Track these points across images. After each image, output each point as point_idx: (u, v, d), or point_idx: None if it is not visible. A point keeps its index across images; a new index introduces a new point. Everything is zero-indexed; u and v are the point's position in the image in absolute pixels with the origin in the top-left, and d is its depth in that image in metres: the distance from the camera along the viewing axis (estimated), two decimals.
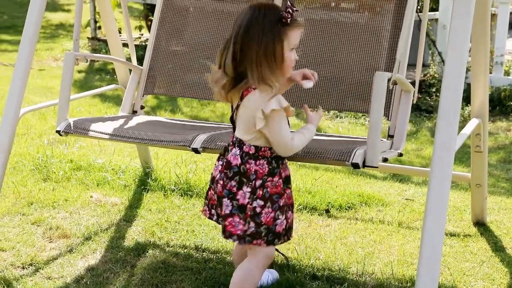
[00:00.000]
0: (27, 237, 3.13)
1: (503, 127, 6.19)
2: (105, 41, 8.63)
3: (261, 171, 2.27)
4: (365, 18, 3.21)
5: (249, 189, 2.26)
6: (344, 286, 2.74)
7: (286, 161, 2.38)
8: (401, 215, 3.59)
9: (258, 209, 2.26)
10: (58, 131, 2.84)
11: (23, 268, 2.85)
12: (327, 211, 3.60)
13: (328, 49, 3.16)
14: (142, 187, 3.84)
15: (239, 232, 2.28)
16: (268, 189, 2.28)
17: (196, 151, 2.64)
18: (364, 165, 2.47)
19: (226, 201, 2.29)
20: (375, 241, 3.22)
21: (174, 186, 3.83)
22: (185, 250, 3.07)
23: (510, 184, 4.49)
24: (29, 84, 6.88)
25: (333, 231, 3.33)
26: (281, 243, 2.34)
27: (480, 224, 3.49)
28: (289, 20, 2.21)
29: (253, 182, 2.26)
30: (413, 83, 2.95)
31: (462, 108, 6.36)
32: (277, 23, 2.20)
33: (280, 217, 2.30)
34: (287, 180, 2.37)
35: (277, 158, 2.31)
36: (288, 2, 2.27)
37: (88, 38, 9.29)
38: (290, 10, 2.21)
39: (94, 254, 2.99)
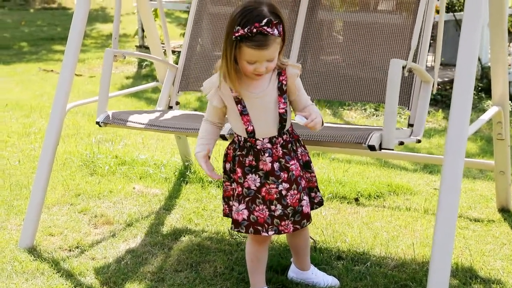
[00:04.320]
0: (74, 224, 3.38)
1: None
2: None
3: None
4: (393, 20, 3.36)
5: None
6: (367, 266, 2.90)
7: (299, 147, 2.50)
8: (428, 203, 3.72)
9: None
10: (97, 122, 3.07)
11: (70, 250, 3.10)
12: (356, 199, 3.76)
13: (352, 46, 3.33)
14: (182, 179, 4.07)
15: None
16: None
17: (223, 137, 2.84)
18: (380, 148, 2.63)
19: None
20: (400, 226, 3.37)
21: (212, 178, 4.04)
22: (219, 235, 3.27)
23: None
24: (79, 90, 7.29)
25: (361, 217, 3.49)
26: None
27: (505, 211, 3.60)
28: (239, 37, 2.21)
29: None
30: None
31: (481, 101, 6.45)
32: (232, 35, 2.24)
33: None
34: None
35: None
36: (264, 21, 2.21)
37: (136, 46, 9.64)
38: (250, 30, 2.20)
39: (134, 238, 3.23)
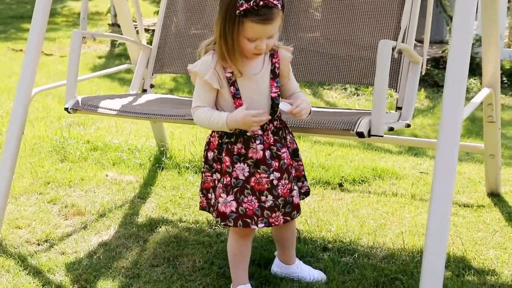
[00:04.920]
0: (43, 215, 3.18)
1: None
2: None
3: None
4: None
5: None
6: (355, 257, 2.75)
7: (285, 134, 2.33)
8: (415, 187, 3.58)
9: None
10: (66, 109, 2.87)
11: (38, 244, 2.90)
12: (340, 185, 3.61)
13: (334, 24, 3.15)
14: (157, 166, 3.88)
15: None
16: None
17: None
18: (369, 134, 2.47)
19: None
20: (387, 213, 3.22)
21: (189, 164, 3.86)
22: (197, 225, 3.10)
23: None
24: (50, 70, 7.02)
25: (346, 204, 3.34)
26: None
27: (494, 195, 3.47)
28: (242, 11, 2.05)
29: None
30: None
31: (469, 81, 6.32)
32: (234, 9, 2.07)
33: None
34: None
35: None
36: None
37: (108, 24, 9.38)
38: (256, 3, 2.04)
39: (107, 230, 3.04)
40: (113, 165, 3.93)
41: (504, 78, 6.47)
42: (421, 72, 2.95)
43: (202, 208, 2.40)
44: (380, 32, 3.07)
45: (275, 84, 2.25)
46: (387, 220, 3.14)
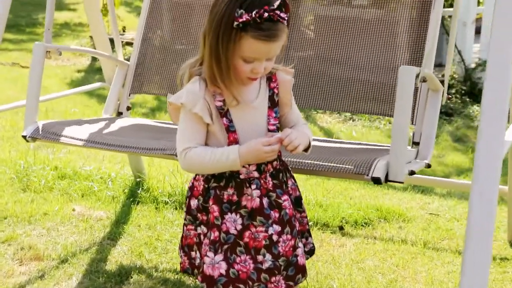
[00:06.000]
0: None
1: None
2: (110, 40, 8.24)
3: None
4: (380, 14, 2.76)
5: None
6: None
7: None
8: (426, 233, 3.13)
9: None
10: (24, 137, 2.42)
11: None
12: (341, 228, 3.15)
13: (339, 47, 2.73)
14: (132, 199, 3.41)
15: None
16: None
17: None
18: (386, 180, 2.04)
19: None
20: (398, 265, 2.77)
21: (168, 198, 3.39)
22: (176, 277, 2.63)
23: None
24: (24, 84, 6.50)
25: (348, 252, 2.88)
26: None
27: None
28: (241, 23, 1.61)
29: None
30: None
31: (465, 106, 5.95)
32: (231, 21, 1.64)
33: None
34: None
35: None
36: (275, 3, 1.63)
37: (90, 37, 8.90)
38: (259, 14, 1.61)
39: (68, 281, 2.56)
40: (82, 196, 3.45)
41: None
42: (441, 101, 2.53)
43: (183, 270, 1.93)
44: (388, 61, 2.66)
45: (274, 115, 1.81)
46: (398, 274, 2.68)
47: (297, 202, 1.90)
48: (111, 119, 2.84)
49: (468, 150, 4.93)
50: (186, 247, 1.90)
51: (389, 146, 2.55)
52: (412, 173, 2.15)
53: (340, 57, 2.73)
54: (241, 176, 1.76)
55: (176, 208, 3.32)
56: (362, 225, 3.20)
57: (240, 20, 1.62)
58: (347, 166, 2.04)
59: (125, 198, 3.44)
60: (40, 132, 2.44)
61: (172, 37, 3.00)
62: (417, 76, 2.12)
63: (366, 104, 2.72)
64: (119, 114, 2.99)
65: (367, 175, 2.01)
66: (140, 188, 3.49)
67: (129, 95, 3.00)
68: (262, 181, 1.78)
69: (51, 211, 3.22)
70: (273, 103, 1.81)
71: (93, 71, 7.68)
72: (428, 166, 2.37)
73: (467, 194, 3.71)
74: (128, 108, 3.01)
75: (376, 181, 2.01)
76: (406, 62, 2.65)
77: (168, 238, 2.97)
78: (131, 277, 2.60)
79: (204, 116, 1.73)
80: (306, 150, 1.80)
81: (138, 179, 3.58)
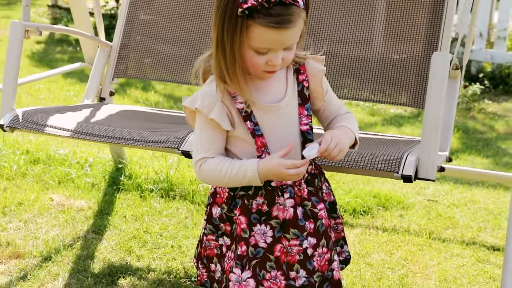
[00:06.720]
0: None
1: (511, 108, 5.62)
2: (67, 10, 7.86)
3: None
4: None
5: None
6: None
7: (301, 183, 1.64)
8: (428, 222, 2.99)
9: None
10: (1, 126, 2.18)
11: None
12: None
13: (349, 29, 2.54)
14: (114, 186, 3.18)
15: None
16: None
17: (187, 155, 2.00)
18: (416, 177, 1.87)
19: None
20: (406, 259, 2.62)
21: (153, 186, 3.17)
22: (171, 276, 2.43)
23: None
24: None
25: (352, 245, 2.72)
26: None
27: None
28: (246, 10, 1.41)
29: None
30: None
31: (466, 86, 5.80)
32: (235, 9, 1.44)
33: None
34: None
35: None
36: None
37: (48, 5, 8.50)
38: None
39: (54, 282, 2.34)
40: (59, 184, 3.21)
41: (486, 82, 5.97)
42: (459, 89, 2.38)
43: (201, 284, 1.72)
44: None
45: (306, 113, 1.60)
46: (408, 270, 2.53)
47: (332, 208, 1.72)
48: (95, 105, 2.60)
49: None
50: (205, 258, 1.69)
51: (407, 138, 2.40)
52: (441, 169, 1.99)
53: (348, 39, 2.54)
54: (273, 184, 1.56)
55: (162, 196, 3.11)
56: (361, 214, 3.04)
57: (245, 6, 1.41)
58: (374, 163, 1.86)
59: (106, 185, 3.20)
60: (20, 121, 2.20)
61: (167, 14, 2.76)
62: (450, 62, 1.95)
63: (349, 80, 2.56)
64: (101, 99, 2.75)
65: (397, 173, 1.84)
66: (122, 175, 3.26)
67: (112, 79, 2.76)
68: (296, 189, 1.58)
69: (26, 201, 2.97)
70: (304, 99, 1.60)
71: (53, 42, 7.35)
72: (450, 159, 2.21)
73: (462, 179, 3.59)
74: (112, 94, 2.77)
75: (407, 179, 1.83)
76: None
77: (157, 231, 2.76)
78: (123, 277, 2.39)
79: (222, 122, 1.52)
80: (352, 147, 1.61)
81: (119, 165, 3.34)
